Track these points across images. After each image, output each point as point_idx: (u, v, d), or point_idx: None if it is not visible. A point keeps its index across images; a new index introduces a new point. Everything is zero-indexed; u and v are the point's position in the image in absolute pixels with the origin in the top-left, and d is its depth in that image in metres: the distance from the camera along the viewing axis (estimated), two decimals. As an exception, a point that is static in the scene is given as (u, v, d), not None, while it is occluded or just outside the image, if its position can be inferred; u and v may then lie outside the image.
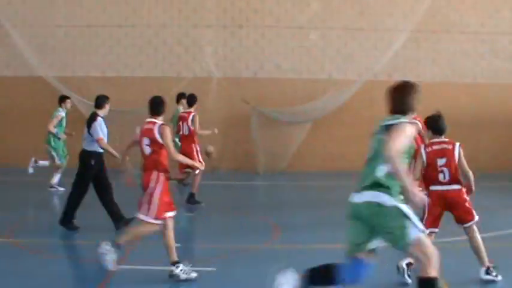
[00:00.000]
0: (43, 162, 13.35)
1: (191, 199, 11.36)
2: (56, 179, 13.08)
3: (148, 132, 6.64)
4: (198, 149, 11.56)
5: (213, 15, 16.92)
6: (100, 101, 9.33)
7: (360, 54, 17.04)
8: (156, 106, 6.86)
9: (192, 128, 11.45)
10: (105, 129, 9.11)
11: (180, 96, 13.78)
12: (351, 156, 16.61)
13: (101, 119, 9.13)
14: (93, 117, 9.09)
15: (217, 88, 16.25)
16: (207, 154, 12.18)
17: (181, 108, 13.37)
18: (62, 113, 13.07)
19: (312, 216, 10.90)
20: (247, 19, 16.92)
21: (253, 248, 8.32)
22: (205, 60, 16.55)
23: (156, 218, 6.42)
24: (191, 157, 10.52)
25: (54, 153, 12.99)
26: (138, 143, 6.79)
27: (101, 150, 9.11)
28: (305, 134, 16.48)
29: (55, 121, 12.86)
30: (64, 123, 13.11)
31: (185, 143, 11.56)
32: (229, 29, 16.94)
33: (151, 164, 6.59)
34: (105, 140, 9.07)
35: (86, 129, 9.10)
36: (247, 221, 10.62)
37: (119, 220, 8.98)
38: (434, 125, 6.79)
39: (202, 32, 16.89)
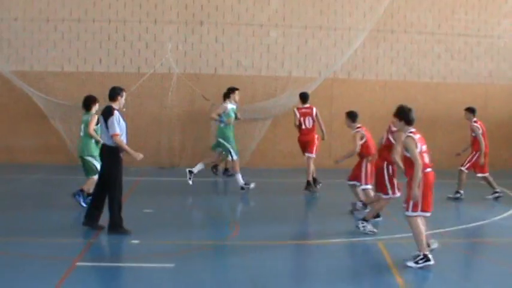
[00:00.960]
0: (199, 166, 13.07)
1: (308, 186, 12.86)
2: (240, 177, 12.95)
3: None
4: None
5: (174, 11, 17.03)
6: (113, 93, 8.85)
7: (320, 53, 17.46)
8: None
9: (315, 120, 13.06)
10: (122, 123, 8.73)
11: (229, 91, 13.83)
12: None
13: (118, 113, 8.69)
14: (109, 111, 8.64)
15: (177, 84, 16.37)
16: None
17: (230, 104, 13.57)
18: (228, 105, 13.10)
19: (271, 213, 11.20)
20: (208, 16, 17.12)
21: (212, 244, 8.51)
22: (165, 56, 16.60)
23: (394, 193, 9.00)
24: (311, 146, 12.94)
25: (229, 147, 12.99)
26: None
27: None
28: (265, 131, 16.77)
29: (220, 111, 13.05)
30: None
31: (307, 135, 13.03)
32: (190, 26, 17.09)
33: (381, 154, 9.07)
34: (123, 135, 8.75)
35: (103, 124, 8.67)
36: (207, 217, 10.89)
37: (92, 220, 8.92)
38: (407, 116, 7.63)
39: (162, 27, 16.99)
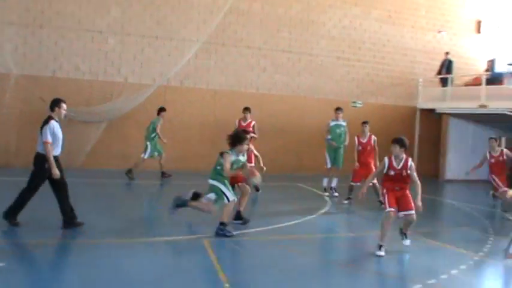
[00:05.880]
0: None
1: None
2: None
3: None
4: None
5: (15, 13, 19.29)
6: (52, 104, 9.95)
7: (155, 61, 20.83)
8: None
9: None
10: (59, 134, 9.80)
11: (160, 110, 18.28)
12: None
13: (55, 123, 9.76)
14: (46, 120, 9.76)
15: (15, 85, 18.60)
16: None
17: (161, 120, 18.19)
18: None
19: (102, 212, 12.25)
20: (49, 20, 19.62)
21: (42, 244, 9.03)
22: (4, 57, 18.65)
23: None
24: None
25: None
26: None
27: (56, 154, 9.79)
28: (100, 134, 19.45)
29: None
30: None
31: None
32: (30, 28, 19.44)
33: None
34: (57, 144, 9.79)
35: (39, 132, 9.74)
36: (38, 216, 10.98)
37: (70, 219, 10.03)
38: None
39: (2, 28, 19.15)
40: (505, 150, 15.25)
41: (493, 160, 15.12)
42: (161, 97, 20.24)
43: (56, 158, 9.82)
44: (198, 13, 21.14)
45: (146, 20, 20.63)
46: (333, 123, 16.72)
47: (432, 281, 8.11)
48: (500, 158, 15.04)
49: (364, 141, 15.28)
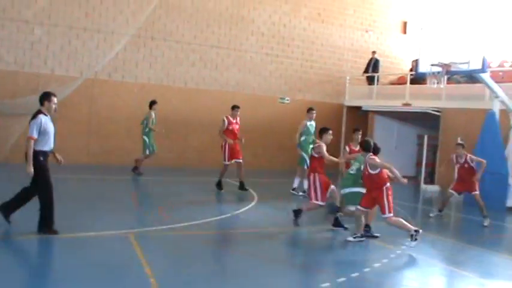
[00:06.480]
0: None
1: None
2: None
3: None
4: None
5: None
6: (40, 98, 9.61)
7: (83, 53, 20.82)
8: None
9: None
10: (49, 128, 9.47)
11: (152, 103, 18.66)
12: (70, 150, 19.84)
13: (44, 118, 9.41)
14: (34, 115, 9.43)
15: None
16: None
17: (153, 113, 18.54)
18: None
19: (25, 207, 12.08)
20: (-29, 8, 19.30)
21: None
22: None
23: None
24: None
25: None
26: None
27: (45, 149, 9.47)
28: (25, 127, 18.83)
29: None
30: None
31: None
32: (-50, 16, 19.16)
33: None
34: (48, 139, 9.46)
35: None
36: None
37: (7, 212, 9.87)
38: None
39: None
40: (469, 156, 14.26)
41: (458, 166, 14.37)
42: (88, 90, 20.30)
43: (47, 153, 9.54)
44: (127, 6, 21.18)
45: (74, 11, 20.52)
46: (309, 123, 16.83)
47: (355, 274, 8.51)
48: (466, 165, 14.16)
49: (357, 149, 14.28)
